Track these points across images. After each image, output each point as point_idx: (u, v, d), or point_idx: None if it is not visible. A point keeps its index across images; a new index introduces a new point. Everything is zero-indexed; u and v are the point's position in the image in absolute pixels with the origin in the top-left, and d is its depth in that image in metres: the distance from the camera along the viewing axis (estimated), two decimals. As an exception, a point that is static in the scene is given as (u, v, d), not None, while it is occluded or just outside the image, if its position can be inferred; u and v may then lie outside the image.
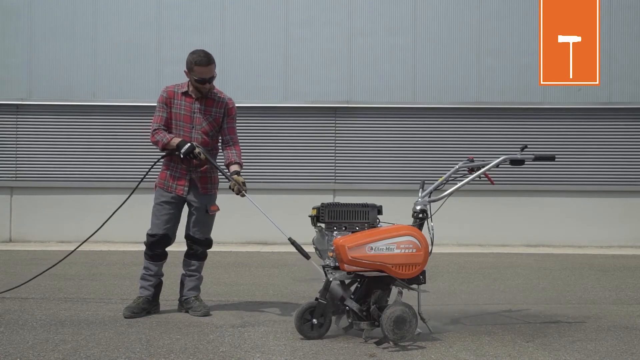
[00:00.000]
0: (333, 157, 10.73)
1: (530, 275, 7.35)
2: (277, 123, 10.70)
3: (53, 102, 10.69)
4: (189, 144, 4.78)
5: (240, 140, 5.14)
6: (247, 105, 10.27)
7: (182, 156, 4.80)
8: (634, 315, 5.13)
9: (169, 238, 4.93)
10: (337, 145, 10.74)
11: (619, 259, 9.10)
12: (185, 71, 4.92)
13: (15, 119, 10.77)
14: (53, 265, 5.45)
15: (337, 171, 10.73)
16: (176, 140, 4.84)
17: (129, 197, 5.26)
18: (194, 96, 4.96)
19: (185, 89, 4.97)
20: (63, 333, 4.28)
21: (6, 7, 10.78)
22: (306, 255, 4.44)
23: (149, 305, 4.89)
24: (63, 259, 5.44)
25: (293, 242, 4.47)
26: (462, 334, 4.37)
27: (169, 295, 5.32)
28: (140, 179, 5.27)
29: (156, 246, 4.90)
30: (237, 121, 5.13)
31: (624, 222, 10.56)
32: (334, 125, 10.75)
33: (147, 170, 5.15)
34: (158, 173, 5.05)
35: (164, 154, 4.95)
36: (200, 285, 5.07)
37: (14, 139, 10.76)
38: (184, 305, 4.99)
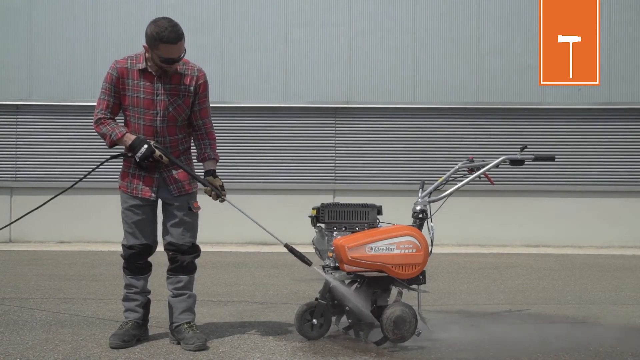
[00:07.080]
0: (333, 158, 10.73)
1: (530, 275, 7.35)
2: (277, 123, 10.68)
3: (53, 102, 10.68)
4: (145, 146, 3.82)
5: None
6: (247, 105, 10.21)
7: (138, 160, 3.86)
8: (634, 316, 5.13)
9: (150, 247, 4.06)
10: (337, 145, 10.73)
11: (619, 259, 9.10)
12: (144, 46, 3.88)
13: (15, 119, 10.77)
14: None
15: (337, 171, 10.73)
16: (129, 139, 3.86)
17: (52, 198, 4.27)
18: (154, 73, 3.92)
19: (142, 65, 3.92)
20: (63, 333, 4.28)
21: (6, 7, 10.78)
22: (308, 262, 4.02)
23: (139, 331, 4.05)
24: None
25: (291, 249, 4.03)
26: (462, 334, 4.37)
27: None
28: (77, 180, 4.39)
29: (137, 258, 4.02)
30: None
31: (624, 222, 10.56)
32: (333, 125, 10.75)
33: (92, 169, 4.17)
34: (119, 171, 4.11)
35: (117, 153, 4.06)
36: (193, 307, 4.10)
37: (14, 139, 10.76)
38: (175, 335, 4.02)
